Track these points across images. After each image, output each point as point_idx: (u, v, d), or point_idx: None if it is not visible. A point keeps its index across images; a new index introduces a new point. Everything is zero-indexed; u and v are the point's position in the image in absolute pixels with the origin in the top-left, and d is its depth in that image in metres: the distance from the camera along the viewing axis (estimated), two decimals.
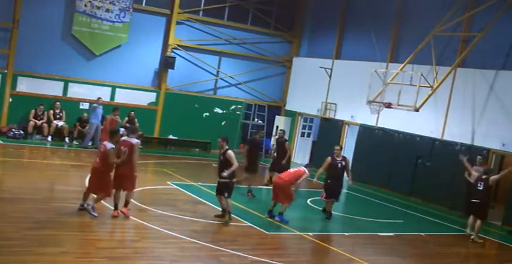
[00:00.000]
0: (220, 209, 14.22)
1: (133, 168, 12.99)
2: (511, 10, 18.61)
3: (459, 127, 19.93)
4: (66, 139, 22.91)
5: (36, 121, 22.59)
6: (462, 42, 20.28)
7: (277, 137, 18.96)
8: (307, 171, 14.84)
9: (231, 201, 14.02)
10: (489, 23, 18.64)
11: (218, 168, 14.15)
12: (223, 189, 13.94)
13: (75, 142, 22.97)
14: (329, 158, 15.84)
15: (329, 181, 15.76)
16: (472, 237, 15.35)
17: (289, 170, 15.22)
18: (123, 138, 13.48)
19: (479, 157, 17.92)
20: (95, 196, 12.98)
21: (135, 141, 13.08)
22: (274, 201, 14.94)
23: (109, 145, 12.87)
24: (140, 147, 14.48)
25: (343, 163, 15.81)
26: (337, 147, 16.23)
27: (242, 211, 15.23)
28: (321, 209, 16.18)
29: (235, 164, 13.69)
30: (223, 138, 14.06)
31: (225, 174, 13.67)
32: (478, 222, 15.32)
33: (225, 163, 13.78)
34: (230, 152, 13.78)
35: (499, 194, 20.05)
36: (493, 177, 15.55)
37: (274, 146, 19.29)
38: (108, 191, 12.90)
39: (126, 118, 22.88)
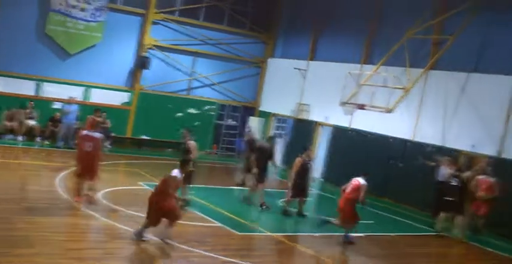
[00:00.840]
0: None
1: (99, 161, 13.86)
2: (481, 14, 18.87)
3: (431, 128, 20.14)
4: (38, 139, 22.73)
5: (8, 124, 22.32)
6: (434, 45, 20.51)
7: (244, 138, 18.93)
8: (362, 181, 14.50)
9: (187, 190, 14.85)
10: (460, 26, 18.88)
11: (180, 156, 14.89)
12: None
13: (46, 142, 22.79)
14: (300, 159, 16.00)
15: (298, 181, 15.90)
16: (460, 237, 15.67)
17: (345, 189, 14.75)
18: (85, 132, 13.78)
19: (447, 158, 18.15)
20: (167, 226, 11.85)
21: (98, 135, 13.79)
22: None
23: (177, 173, 11.83)
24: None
25: (311, 164, 16.18)
26: (311, 148, 16.44)
27: (213, 212, 15.28)
28: (295, 211, 16.26)
29: (194, 154, 14.59)
30: (187, 129, 15.46)
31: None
32: (459, 219, 15.61)
33: (186, 152, 14.67)
34: (192, 142, 14.84)
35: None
36: (465, 174, 15.82)
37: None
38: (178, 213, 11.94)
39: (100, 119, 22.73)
